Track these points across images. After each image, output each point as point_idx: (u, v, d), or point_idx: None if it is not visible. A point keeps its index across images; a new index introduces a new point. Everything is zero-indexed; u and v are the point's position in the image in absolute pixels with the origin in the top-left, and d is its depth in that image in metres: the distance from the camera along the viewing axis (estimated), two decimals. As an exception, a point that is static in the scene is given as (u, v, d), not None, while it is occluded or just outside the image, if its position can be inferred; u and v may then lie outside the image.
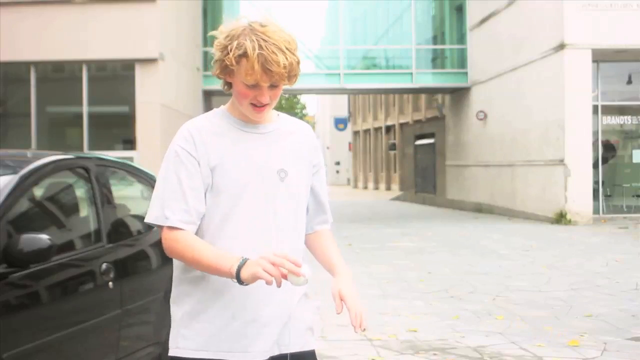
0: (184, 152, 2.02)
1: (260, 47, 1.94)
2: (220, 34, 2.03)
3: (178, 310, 2.10)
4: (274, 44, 1.95)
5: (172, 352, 2.09)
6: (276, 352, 2.10)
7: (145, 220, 2.07)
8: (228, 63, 1.98)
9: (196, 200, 2.01)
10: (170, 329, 2.14)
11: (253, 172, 2.05)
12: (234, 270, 1.88)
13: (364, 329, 2.06)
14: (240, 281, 1.88)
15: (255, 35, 1.97)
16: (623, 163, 17.91)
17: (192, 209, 2.00)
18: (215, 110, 2.14)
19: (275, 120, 2.15)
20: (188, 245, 1.97)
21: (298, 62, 2.01)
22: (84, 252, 3.85)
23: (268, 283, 1.84)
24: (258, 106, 2.03)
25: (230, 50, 1.97)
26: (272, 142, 2.10)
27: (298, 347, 2.15)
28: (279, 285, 1.86)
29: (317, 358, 2.29)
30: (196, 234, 2.04)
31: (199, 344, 2.04)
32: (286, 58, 1.95)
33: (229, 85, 2.08)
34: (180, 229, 1.99)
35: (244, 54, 1.95)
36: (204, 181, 2.02)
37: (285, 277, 1.85)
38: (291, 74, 2.00)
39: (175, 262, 2.11)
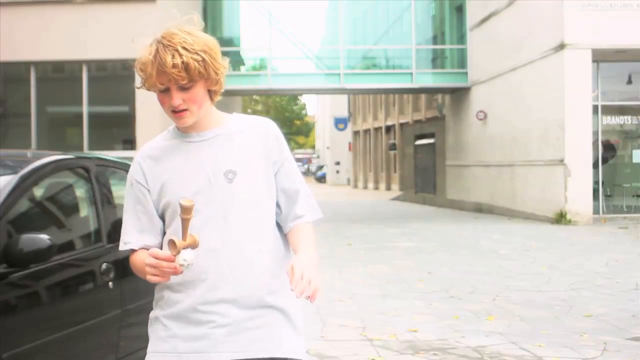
0: (135, 183, 2.14)
1: (156, 50, 2.00)
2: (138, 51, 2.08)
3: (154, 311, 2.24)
4: (169, 45, 1.98)
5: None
6: (237, 357, 2.07)
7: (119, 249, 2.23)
8: (138, 73, 2.06)
9: (150, 221, 2.13)
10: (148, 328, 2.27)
11: (200, 180, 2.07)
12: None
13: (308, 297, 1.93)
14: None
15: (157, 42, 2.02)
16: (623, 163, 17.90)
17: (147, 229, 2.13)
18: (169, 128, 2.20)
19: (225, 123, 2.15)
20: (136, 257, 2.13)
21: (204, 63, 2.00)
22: (84, 252, 3.85)
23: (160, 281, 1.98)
24: (176, 112, 2.04)
25: (137, 63, 2.06)
26: (218, 145, 2.11)
27: (259, 353, 2.09)
28: (167, 279, 1.95)
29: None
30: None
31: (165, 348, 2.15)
32: (180, 57, 1.97)
33: None
34: (138, 250, 2.14)
35: (144, 62, 2.03)
36: (156, 203, 2.12)
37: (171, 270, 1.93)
38: (194, 74, 1.99)
39: None
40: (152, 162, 2.13)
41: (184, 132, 2.13)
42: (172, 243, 1.90)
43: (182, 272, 1.93)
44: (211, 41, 2.05)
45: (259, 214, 2.11)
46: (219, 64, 2.05)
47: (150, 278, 1.95)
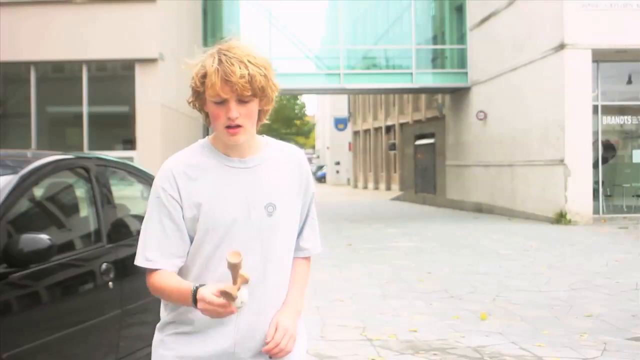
0: (165, 194, 2.03)
1: (219, 61, 1.96)
2: (192, 65, 2.05)
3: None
4: (234, 57, 1.96)
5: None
6: None
7: (135, 263, 2.11)
8: (194, 86, 2.01)
9: (179, 241, 2.04)
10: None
11: (239, 208, 2.02)
12: (190, 301, 1.94)
13: (271, 356, 2.04)
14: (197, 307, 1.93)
15: (218, 53, 1.99)
16: (623, 163, 17.90)
17: (174, 249, 2.04)
18: (199, 142, 2.13)
19: (263, 150, 2.12)
20: (163, 279, 2.03)
21: (266, 79, 1.99)
22: (84, 252, 3.85)
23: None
24: (232, 127, 1.99)
25: (195, 74, 2.01)
26: (259, 176, 2.07)
27: None
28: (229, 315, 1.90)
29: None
30: (180, 272, 2.07)
31: None
32: (246, 69, 1.95)
33: (207, 115, 2.08)
34: (160, 269, 2.04)
35: (206, 73, 1.98)
36: (187, 221, 2.04)
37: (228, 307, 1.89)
38: (257, 88, 1.97)
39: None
40: (187, 179, 2.04)
41: (224, 153, 2.07)
42: (226, 295, 1.85)
43: (237, 306, 1.89)
44: (268, 60, 2.03)
45: (289, 248, 2.13)
46: (274, 84, 2.03)
47: (203, 312, 1.91)
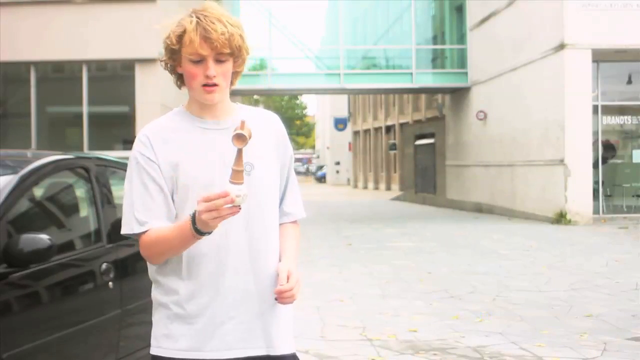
0: (143, 158, 2.03)
1: (198, 19, 1.98)
2: (166, 24, 2.06)
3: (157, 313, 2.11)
4: (212, 15, 1.98)
5: (154, 351, 2.09)
6: (255, 353, 2.06)
7: (122, 232, 2.06)
8: (170, 44, 2.01)
9: (164, 201, 2.02)
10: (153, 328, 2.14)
11: (216, 168, 2.01)
12: (192, 230, 1.88)
13: (290, 297, 2.01)
14: (204, 233, 1.88)
15: (194, 13, 2.00)
16: (623, 163, 17.89)
17: (162, 210, 2.02)
18: (174, 109, 2.14)
19: (236, 112, 2.12)
20: (157, 231, 1.98)
21: (242, 39, 2.02)
22: (84, 252, 3.85)
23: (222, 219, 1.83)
24: (209, 85, 2.00)
25: (172, 32, 2.01)
26: None
27: (279, 349, 2.09)
28: (233, 214, 1.83)
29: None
30: None
31: (183, 345, 2.04)
32: (225, 27, 1.97)
33: (180, 77, 2.09)
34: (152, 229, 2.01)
35: (184, 31, 1.99)
36: (168, 182, 2.02)
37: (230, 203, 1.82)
38: (235, 46, 1.99)
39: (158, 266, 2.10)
40: (162, 142, 2.04)
41: (198, 115, 2.08)
42: (237, 173, 1.82)
43: (240, 209, 1.83)
44: (240, 22, 2.05)
45: (273, 208, 2.12)
46: (248, 46, 2.06)
47: (209, 223, 1.82)
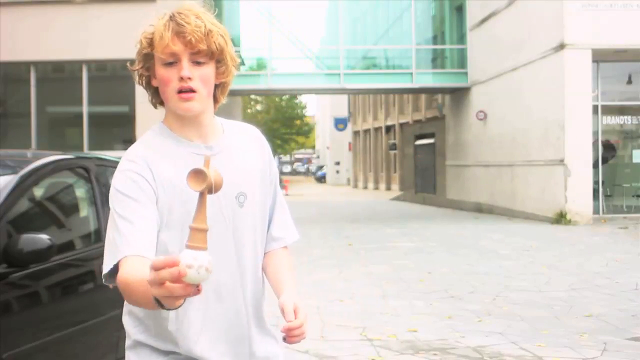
0: (141, 180, 1.72)
1: (171, 16, 1.73)
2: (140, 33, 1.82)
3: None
4: (189, 12, 1.73)
5: None
6: None
7: (103, 277, 1.76)
8: (139, 48, 1.77)
9: (153, 230, 1.70)
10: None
11: (210, 200, 1.71)
12: (152, 299, 1.43)
13: (300, 335, 1.78)
14: (163, 306, 1.42)
15: (168, 14, 1.76)
16: (623, 163, 17.90)
17: (149, 239, 1.69)
18: (153, 128, 1.84)
19: (222, 134, 1.86)
20: (129, 268, 1.61)
21: (225, 41, 1.75)
22: (84, 252, 3.85)
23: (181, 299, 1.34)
24: (184, 91, 1.71)
25: (143, 35, 1.77)
26: (226, 163, 1.79)
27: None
28: (188, 295, 1.31)
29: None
30: None
31: None
32: (202, 22, 1.71)
33: (156, 92, 1.82)
34: (126, 257, 1.64)
35: (154, 32, 1.74)
36: (159, 210, 1.73)
37: (181, 277, 1.27)
38: (214, 44, 1.72)
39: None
40: (156, 163, 1.76)
41: (182, 135, 1.80)
42: (196, 233, 1.32)
43: (198, 290, 1.31)
44: (225, 28, 1.80)
45: (260, 237, 1.91)
46: (234, 54, 1.80)
47: (166, 302, 1.35)
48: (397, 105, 37.35)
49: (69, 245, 3.84)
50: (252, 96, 48.56)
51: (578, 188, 15.92)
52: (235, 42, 26.91)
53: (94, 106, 15.75)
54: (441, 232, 15.17)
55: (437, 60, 24.35)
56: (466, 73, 22.47)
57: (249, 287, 1.87)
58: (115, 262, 1.66)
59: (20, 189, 3.48)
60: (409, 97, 33.37)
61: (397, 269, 9.72)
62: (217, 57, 1.76)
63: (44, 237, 3.24)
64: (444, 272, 9.40)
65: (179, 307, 1.41)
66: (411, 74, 22.52)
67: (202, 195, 1.36)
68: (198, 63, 1.73)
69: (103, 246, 1.73)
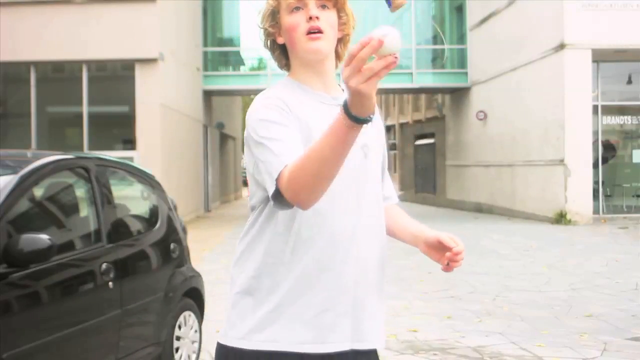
0: (286, 109, 1.76)
1: None
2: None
3: (256, 301, 1.82)
4: None
5: (239, 344, 1.81)
6: (350, 347, 1.85)
7: (271, 198, 1.70)
8: (265, 11, 1.88)
9: (298, 146, 1.71)
10: (231, 319, 1.87)
11: (357, 158, 1.82)
12: (345, 119, 1.50)
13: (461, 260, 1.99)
14: (357, 119, 1.48)
15: None
16: (623, 163, 17.90)
17: (298, 151, 1.68)
18: (280, 82, 1.90)
19: (340, 90, 1.95)
20: (299, 159, 1.61)
21: None
22: (84, 252, 3.85)
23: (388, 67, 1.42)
24: (313, 32, 1.80)
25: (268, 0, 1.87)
26: None
27: (370, 344, 1.90)
28: (389, 67, 1.42)
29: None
30: (276, 222, 1.78)
31: (273, 336, 1.79)
32: None
33: (282, 52, 1.90)
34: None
35: None
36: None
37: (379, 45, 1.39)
38: None
39: (260, 248, 1.83)
40: (291, 106, 1.79)
41: (309, 86, 1.86)
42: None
43: (396, 59, 1.41)
44: None
45: (379, 195, 1.94)
46: (352, 13, 1.88)
47: (364, 87, 1.42)
48: (397, 105, 37.35)
49: (69, 245, 3.84)
50: (252, 96, 48.57)
51: (578, 188, 15.93)
52: (235, 42, 27.02)
53: (94, 106, 15.75)
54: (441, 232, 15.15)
55: (437, 60, 24.35)
56: (466, 73, 22.47)
57: (370, 242, 1.88)
58: (276, 176, 1.66)
59: (20, 189, 3.48)
60: (409, 97, 33.36)
61: (397, 269, 9.72)
62: (340, 5, 1.86)
63: (44, 237, 3.24)
64: (443, 272, 9.38)
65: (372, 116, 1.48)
66: (411, 74, 22.52)
67: None
68: (323, 7, 1.83)
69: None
